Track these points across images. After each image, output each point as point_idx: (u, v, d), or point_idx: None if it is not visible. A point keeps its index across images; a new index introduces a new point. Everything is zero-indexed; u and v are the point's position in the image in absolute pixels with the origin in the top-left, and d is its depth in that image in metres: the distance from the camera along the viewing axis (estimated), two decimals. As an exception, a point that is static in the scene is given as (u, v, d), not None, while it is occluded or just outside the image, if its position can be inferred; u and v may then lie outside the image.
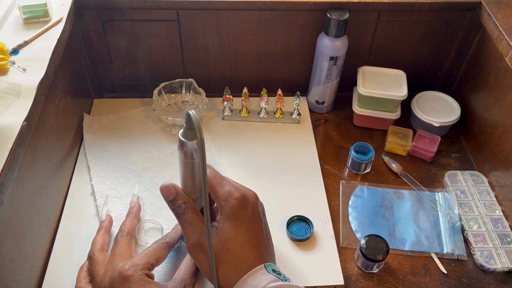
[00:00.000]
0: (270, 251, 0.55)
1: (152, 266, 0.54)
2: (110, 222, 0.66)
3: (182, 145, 0.47)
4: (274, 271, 0.50)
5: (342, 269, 0.64)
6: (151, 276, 0.53)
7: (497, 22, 0.73)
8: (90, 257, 0.58)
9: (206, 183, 0.46)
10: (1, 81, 0.59)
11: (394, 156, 0.82)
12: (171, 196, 0.52)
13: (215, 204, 0.54)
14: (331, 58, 0.79)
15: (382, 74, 0.85)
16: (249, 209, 0.52)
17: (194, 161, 0.49)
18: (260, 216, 0.54)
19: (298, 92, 0.85)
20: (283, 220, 0.69)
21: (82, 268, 0.59)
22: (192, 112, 0.44)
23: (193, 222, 0.51)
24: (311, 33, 0.82)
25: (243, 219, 0.51)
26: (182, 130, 0.47)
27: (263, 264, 0.50)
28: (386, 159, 0.80)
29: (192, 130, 0.46)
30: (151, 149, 0.79)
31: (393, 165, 0.79)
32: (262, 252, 0.51)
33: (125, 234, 0.60)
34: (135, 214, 0.65)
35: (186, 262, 0.57)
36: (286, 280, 0.48)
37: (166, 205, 0.54)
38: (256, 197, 0.54)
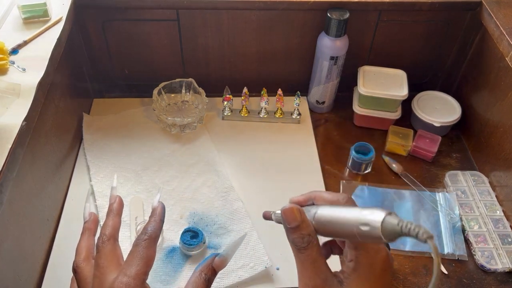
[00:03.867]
0: None
1: (146, 275, 0.44)
2: (95, 221, 0.53)
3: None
4: None
5: (342, 269, 0.64)
6: None
7: (497, 22, 0.73)
8: (75, 271, 0.47)
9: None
10: (1, 81, 0.59)
11: (395, 156, 0.81)
12: (294, 223, 0.41)
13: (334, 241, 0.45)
14: (332, 58, 0.79)
15: (383, 74, 0.84)
16: (388, 275, 0.41)
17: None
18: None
19: (298, 92, 0.85)
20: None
21: (73, 281, 0.48)
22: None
23: (315, 262, 0.41)
24: (311, 33, 0.82)
25: (379, 286, 0.41)
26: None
27: None
28: (387, 159, 0.80)
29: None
30: (151, 149, 0.79)
31: (394, 165, 0.79)
32: None
33: (107, 239, 0.47)
34: (116, 211, 0.52)
35: (196, 285, 0.45)
36: None
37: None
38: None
